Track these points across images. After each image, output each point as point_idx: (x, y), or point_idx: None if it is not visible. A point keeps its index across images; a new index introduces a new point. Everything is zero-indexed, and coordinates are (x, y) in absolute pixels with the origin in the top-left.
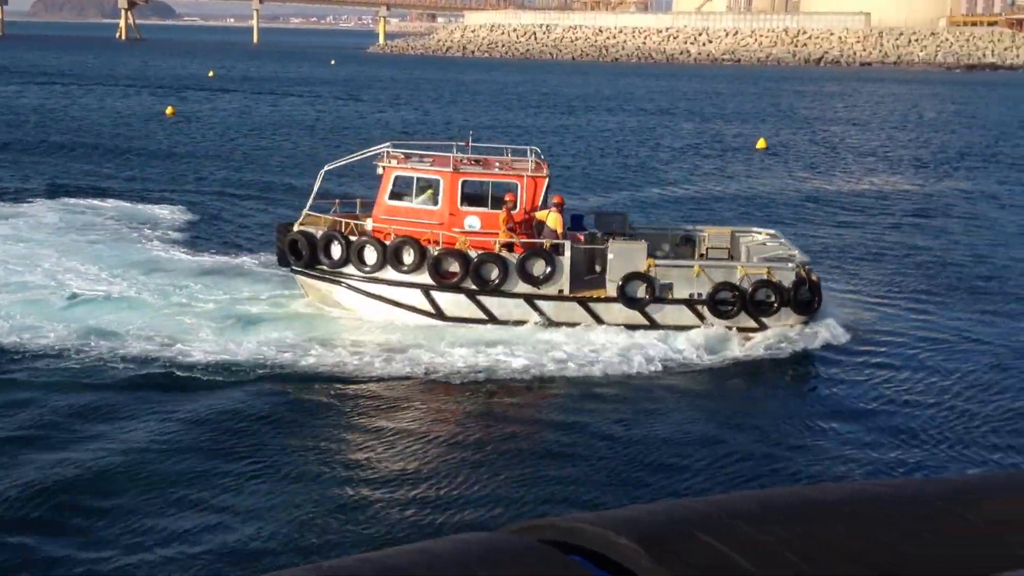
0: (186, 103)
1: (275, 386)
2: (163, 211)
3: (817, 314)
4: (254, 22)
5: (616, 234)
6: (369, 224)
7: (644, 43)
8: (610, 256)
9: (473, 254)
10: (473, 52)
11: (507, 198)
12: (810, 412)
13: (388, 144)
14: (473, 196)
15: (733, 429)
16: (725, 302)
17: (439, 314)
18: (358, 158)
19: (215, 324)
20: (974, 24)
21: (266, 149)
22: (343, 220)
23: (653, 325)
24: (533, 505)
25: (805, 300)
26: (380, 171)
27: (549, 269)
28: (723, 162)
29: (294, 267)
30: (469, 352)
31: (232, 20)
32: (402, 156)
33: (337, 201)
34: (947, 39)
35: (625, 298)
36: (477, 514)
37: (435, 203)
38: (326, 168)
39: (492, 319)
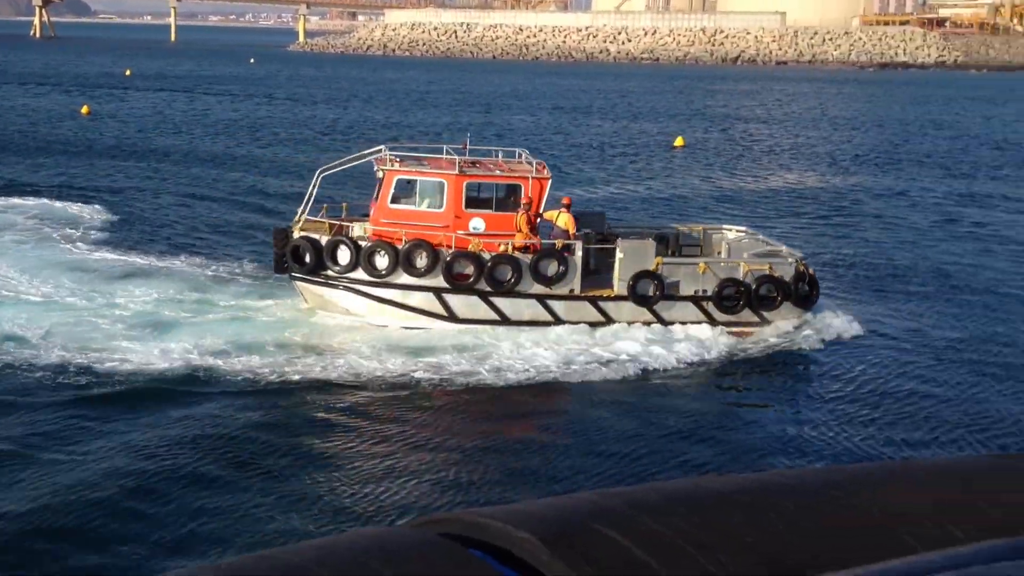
0: (102, 102)
1: (199, 391)
2: (83, 211)
3: (814, 308)
4: (171, 20)
5: (605, 234)
6: (358, 228)
7: (564, 42)
8: (619, 255)
9: (486, 256)
10: (394, 51)
11: (522, 200)
12: (745, 406)
13: (383, 146)
14: (476, 198)
15: (665, 425)
16: (730, 298)
17: (451, 316)
18: (355, 162)
19: (137, 330)
20: (887, 23)
21: (183, 147)
22: (350, 224)
23: (661, 323)
24: (444, 502)
25: (804, 294)
26: (380, 175)
27: (562, 269)
28: (642, 160)
29: (294, 273)
30: (402, 356)
31: (149, 17)
32: (397, 159)
33: (325, 206)
34: (860, 38)
35: (635, 296)
36: (387, 511)
37: (439, 206)
38: (322, 173)
39: (504, 320)
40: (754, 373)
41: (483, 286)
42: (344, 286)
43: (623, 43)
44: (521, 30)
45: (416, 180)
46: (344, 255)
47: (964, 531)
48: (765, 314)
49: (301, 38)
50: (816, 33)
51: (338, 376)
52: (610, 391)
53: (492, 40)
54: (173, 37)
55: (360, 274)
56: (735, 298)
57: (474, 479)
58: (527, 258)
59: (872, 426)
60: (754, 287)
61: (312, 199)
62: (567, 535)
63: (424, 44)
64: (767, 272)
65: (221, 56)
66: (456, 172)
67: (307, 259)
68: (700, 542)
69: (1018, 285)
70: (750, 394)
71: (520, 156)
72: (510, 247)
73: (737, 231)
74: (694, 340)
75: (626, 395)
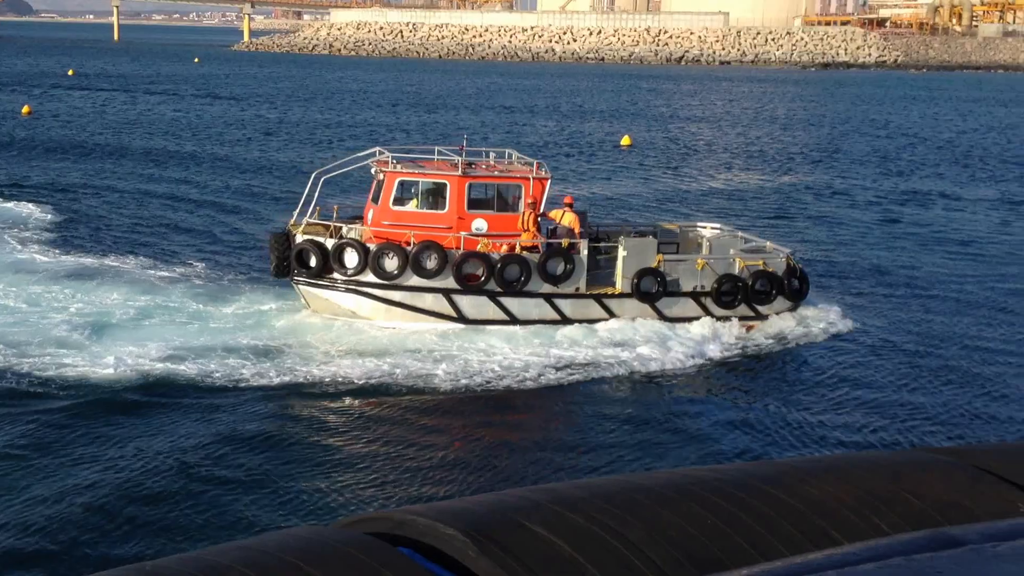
0: (44, 102)
1: (145, 395)
2: (25, 210)
3: (803, 301)
4: (114, 19)
5: (588, 233)
6: (354, 231)
7: (510, 42)
8: (623, 253)
9: (496, 256)
10: (340, 50)
11: (527, 200)
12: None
13: (378, 148)
14: (478, 199)
15: (612, 423)
16: (728, 293)
17: (460, 317)
18: (353, 166)
19: (83, 333)
20: (828, 24)
21: (127, 147)
22: (343, 227)
23: (662, 318)
24: (379, 501)
25: (795, 288)
26: (381, 176)
27: (569, 267)
28: (589, 159)
29: (297, 278)
30: (357, 359)
31: (91, 16)
32: (397, 161)
33: (319, 209)
34: (802, 38)
35: (639, 293)
36: (320, 512)
37: (443, 207)
38: (321, 176)
39: (513, 319)
40: (722, 368)
41: (492, 286)
42: (349, 288)
43: (568, 43)
44: (467, 30)
45: (419, 182)
46: (352, 258)
47: (888, 523)
48: (759, 308)
49: (246, 37)
50: (759, 33)
51: (289, 380)
52: (569, 392)
53: (438, 40)
54: (116, 36)
55: (368, 276)
56: (733, 293)
57: (414, 479)
58: (535, 257)
59: (823, 419)
60: (750, 282)
61: (313, 202)
62: (495, 531)
63: (370, 43)
64: (761, 267)
65: (165, 56)
66: (459, 173)
67: (312, 263)
68: (627, 537)
69: (955, 285)
70: (720, 388)
71: (510, 156)
72: (517, 247)
73: (712, 228)
74: (654, 341)
75: (579, 395)
